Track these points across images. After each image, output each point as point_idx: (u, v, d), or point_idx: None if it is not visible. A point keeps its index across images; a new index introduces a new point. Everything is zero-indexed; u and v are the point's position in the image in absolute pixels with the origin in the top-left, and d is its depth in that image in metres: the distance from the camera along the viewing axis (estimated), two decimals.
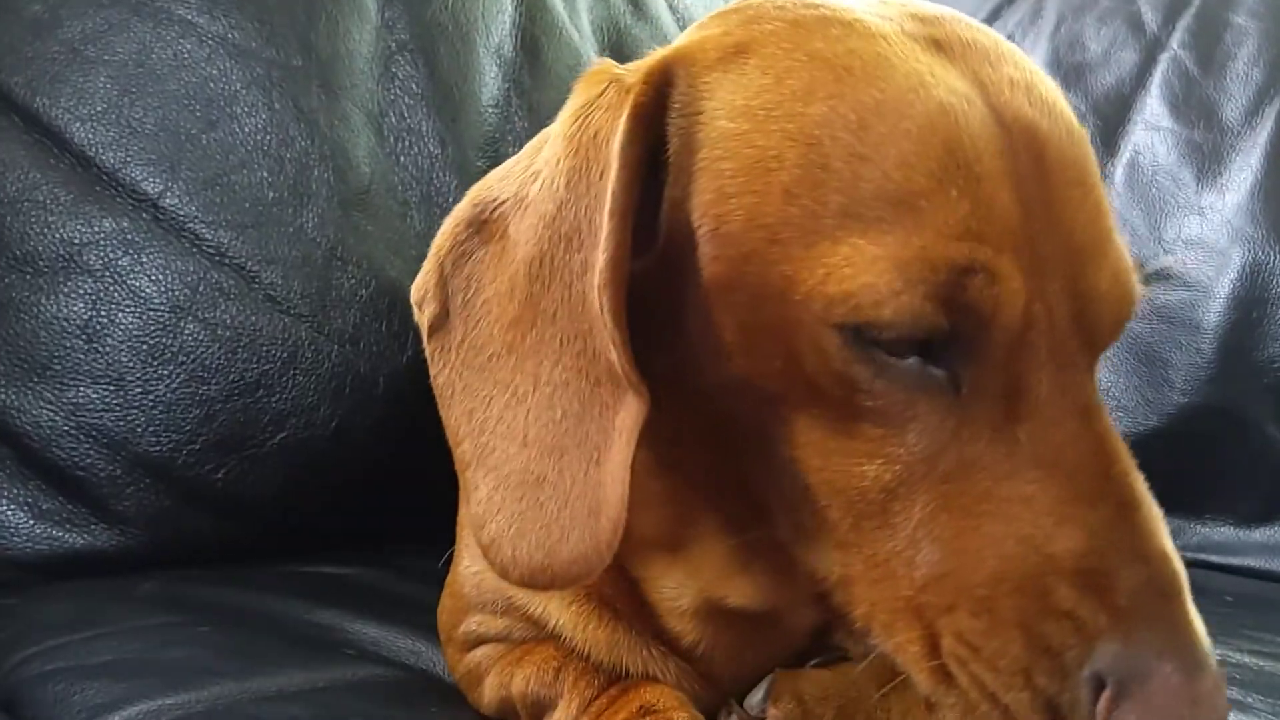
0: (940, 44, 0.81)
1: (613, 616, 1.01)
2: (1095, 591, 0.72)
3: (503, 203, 0.89)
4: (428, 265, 0.92)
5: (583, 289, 0.82)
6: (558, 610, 1.02)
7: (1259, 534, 1.88)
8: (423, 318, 0.91)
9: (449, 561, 1.15)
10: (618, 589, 1.00)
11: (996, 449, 0.75)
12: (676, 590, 0.97)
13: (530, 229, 0.85)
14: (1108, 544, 0.73)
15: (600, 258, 0.81)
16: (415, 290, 0.92)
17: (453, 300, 0.90)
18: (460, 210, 0.91)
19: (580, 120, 0.85)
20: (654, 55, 0.86)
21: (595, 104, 0.85)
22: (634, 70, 0.85)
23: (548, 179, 0.85)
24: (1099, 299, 0.79)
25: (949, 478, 0.76)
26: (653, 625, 1.00)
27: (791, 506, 0.82)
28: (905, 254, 0.73)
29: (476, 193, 0.91)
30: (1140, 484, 0.77)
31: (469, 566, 1.10)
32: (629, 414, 0.82)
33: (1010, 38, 2.22)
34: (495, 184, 0.91)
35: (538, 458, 0.84)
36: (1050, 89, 0.83)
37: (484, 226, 0.89)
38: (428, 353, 0.91)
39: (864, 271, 0.73)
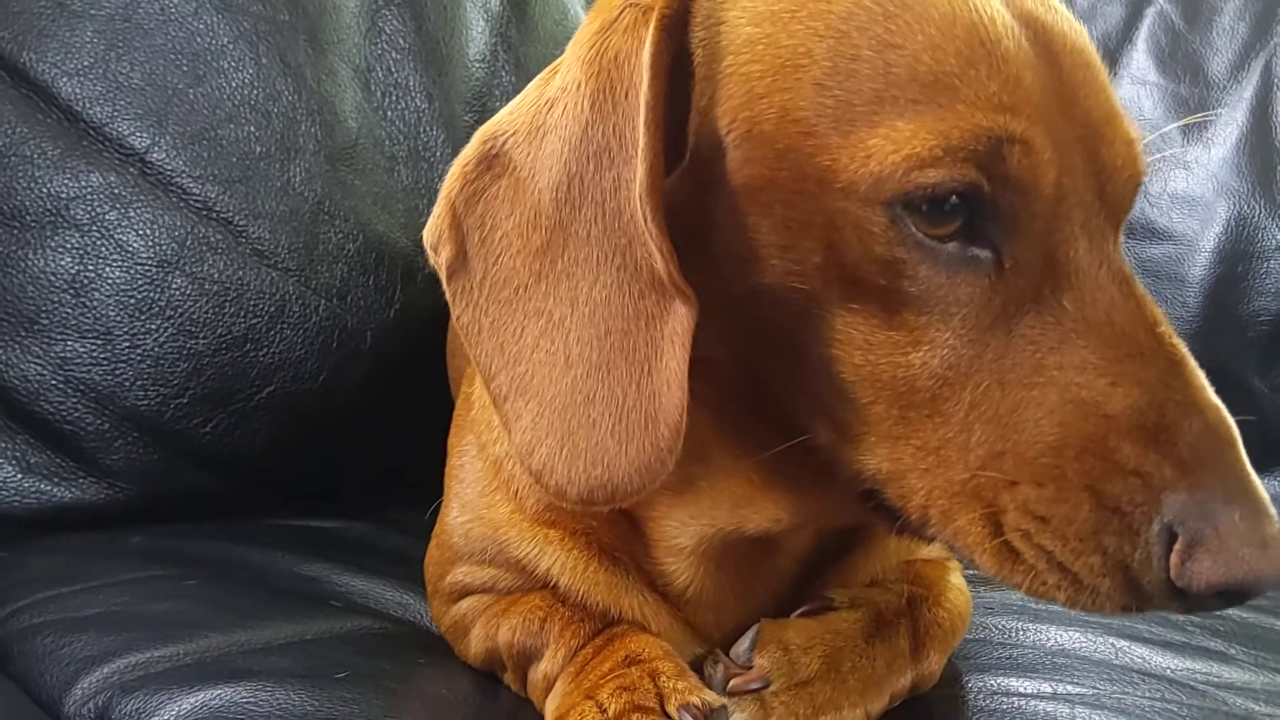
0: None
1: (610, 561, 1.02)
2: (1158, 445, 0.74)
3: (513, 135, 0.89)
4: (438, 209, 0.92)
5: (617, 205, 0.84)
6: (553, 555, 1.03)
7: None
8: (439, 262, 0.91)
9: (437, 512, 1.15)
10: (616, 533, 1.01)
11: (1044, 320, 0.78)
12: (678, 528, 0.98)
13: (553, 155, 0.86)
14: (1165, 398, 0.76)
15: (640, 168, 0.82)
16: (428, 235, 0.92)
17: (469, 240, 0.90)
18: (469, 150, 0.92)
19: (598, 44, 0.86)
20: None
21: (613, 27, 0.85)
22: None
23: (570, 104, 0.86)
24: (1117, 170, 0.82)
25: (1000, 354, 0.78)
26: (646, 571, 1.01)
27: (830, 409, 0.84)
28: (944, 126, 0.76)
29: (485, 131, 0.92)
30: (1182, 343, 0.79)
31: (457, 516, 1.10)
32: (679, 321, 0.84)
33: None
34: (504, 120, 0.91)
35: (584, 377, 0.85)
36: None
37: (495, 162, 0.90)
38: (449, 296, 0.91)
39: (906, 144, 0.76)
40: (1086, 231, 0.79)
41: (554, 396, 0.86)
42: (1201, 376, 0.78)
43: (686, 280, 0.83)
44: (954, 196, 0.76)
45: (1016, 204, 0.77)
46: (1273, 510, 0.74)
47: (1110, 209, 0.81)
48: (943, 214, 0.77)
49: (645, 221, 0.82)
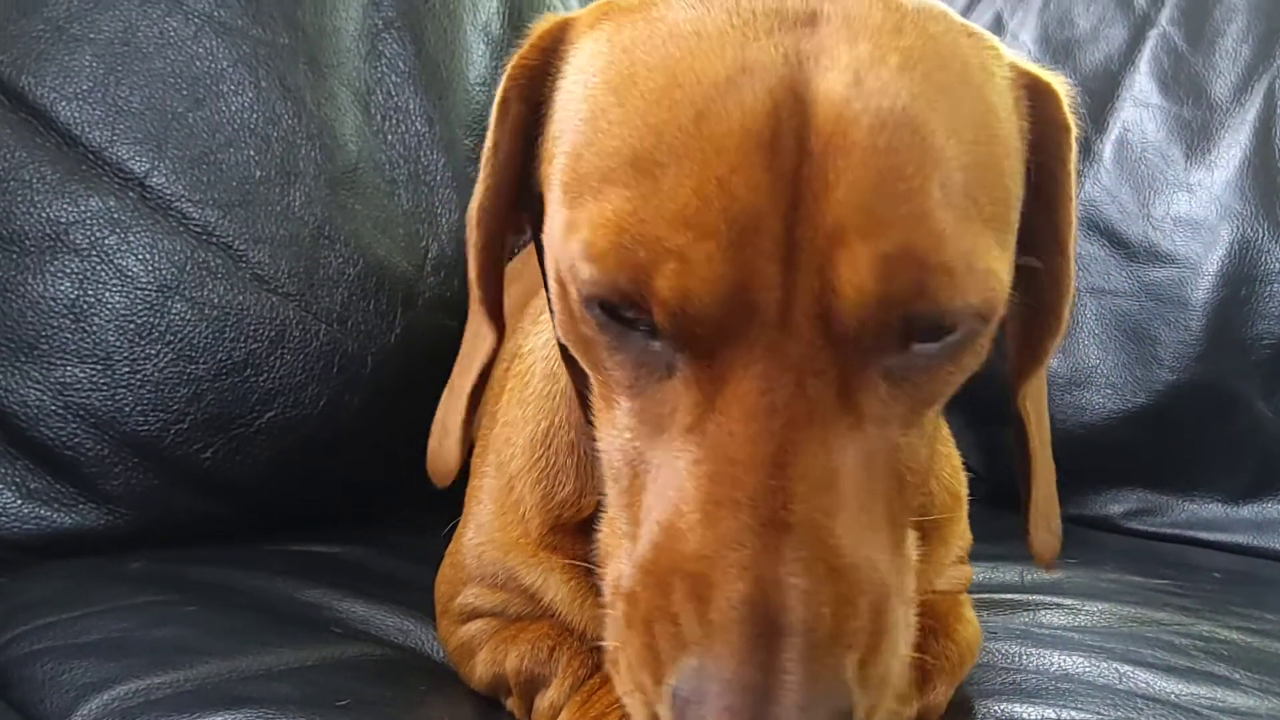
0: (813, 17, 0.74)
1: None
2: (698, 601, 0.68)
3: None
4: None
5: None
6: (554, 586, 1.03)
7: (1247, 510, 1.89)
8: None
9: (452, 532, 1.16)
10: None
11: (689, 439, 0.72)
12: None
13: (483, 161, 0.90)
14: (726, 554, 0.68)
15: (474, 198, 0.87)
16: None
17: None
18: None
19: (507, 67, 0.88)
20: (555, 18, 0.87)
21: (519, 54, 0.87)
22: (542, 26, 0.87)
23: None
24: (842, 291, 0.69)
25: (656, 462, 0.75)
26: None
27: None
28: (618, 219, 0.70)
29: None
30: (817, 510, 0.69)
31: (473, 538, 1.11)
32: (483, 344, 0.92)
33: (999, 14, 2.22)
34: None
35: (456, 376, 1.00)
36: (907, 73, 0.72)
37: None
38: None
39: (584, 228, 0.72)
40: (773, 355, 0.70)
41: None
42: (804, 549, 0.68)
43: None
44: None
45: (676, 324, 0.71)
46: (754, 704, 0.65)
47: (829, 332, 0.70)
48: (618, 309, 0.73)
49: (468, 245, 0.88)
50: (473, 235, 0.90)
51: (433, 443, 1.05)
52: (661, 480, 0.74)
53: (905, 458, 0.75)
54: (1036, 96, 0.83)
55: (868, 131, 0.69)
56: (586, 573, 1.01)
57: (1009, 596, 1.42)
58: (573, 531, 1.02)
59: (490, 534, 1.08)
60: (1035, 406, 0.94)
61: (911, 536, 0.79)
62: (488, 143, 0.88)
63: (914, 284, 0.69)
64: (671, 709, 0.68)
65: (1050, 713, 1.06)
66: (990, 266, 0.72)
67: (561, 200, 0.77)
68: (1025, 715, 1.05)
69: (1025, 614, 1.37)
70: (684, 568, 0.69)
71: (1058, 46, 2.19)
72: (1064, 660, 1.19)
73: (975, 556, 1.19)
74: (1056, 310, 0.87)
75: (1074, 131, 0.84)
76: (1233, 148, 1.95)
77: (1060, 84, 0.85)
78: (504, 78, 0.86)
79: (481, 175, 0.89)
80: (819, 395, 0.70)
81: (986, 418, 1.85)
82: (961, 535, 1.16)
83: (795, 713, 0.64)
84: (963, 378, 0.77)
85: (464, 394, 0.99)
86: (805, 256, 0.68)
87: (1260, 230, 1.88)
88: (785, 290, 0.69)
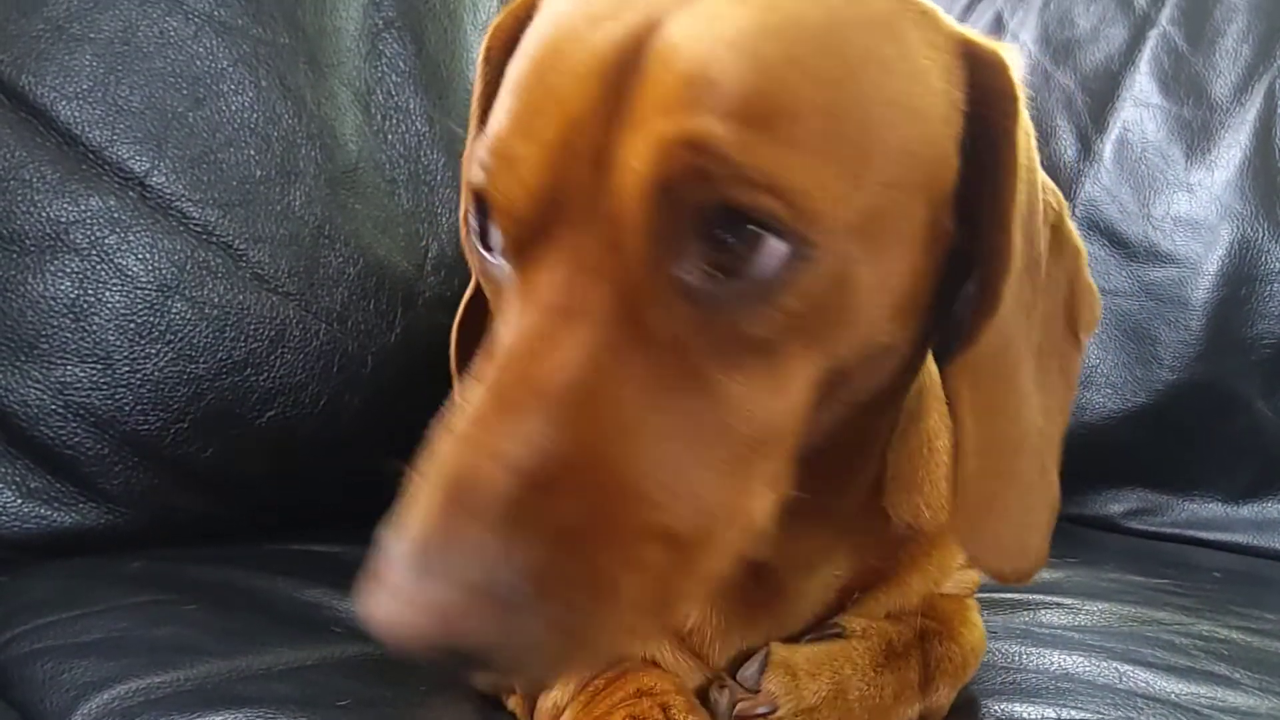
0: None
1: None
2: (423, 478, 0.67)
3: None
4: None
5: None
6: None
7: (1247, 510, 1.90)
8: None
9: None
10: None
11: (498, 345, 0.72)
12: None
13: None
14: (460, 441, 0.67)
15: (469, 141, 0.92)
16: None
17: None
18: None
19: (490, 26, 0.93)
20: None
21: (499, 16, 0.92)
22: None
23: None
24: (620, 176, 0.69)
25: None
26: None
27: None
28: (489, 131, 0.75)
29: None
30: (556, 401, 0.67)
31: None
32: (471, 281, 0.97)
33: (999, 14, 2.23)
34: None
35: None
36: (768, 17, 0.72)
37: None
38: None
39: (480, 143, 0.76)
40: (569, 258, 0.71)
41: None
42: (522, 428, 0.66)
43: None
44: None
45: (505, 225, 0.74)
46: (420, 555, 0.64)
47: (623, 230, 0.70)
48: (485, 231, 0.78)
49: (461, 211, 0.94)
50: (464, 181, 0.93)
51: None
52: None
53: (732, 403, 0.72)
54: (977, 65, 0.81)
55: (699, 54, 0.70)
56: None
57: (1009, 596, 1.42)
58: None
59: None
60: (981, 390, 0.85)
61: (762, 495, 0.76)
62: (474, 93, 0.94)
63: (690, 167, 0.68)
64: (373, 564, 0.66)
65: (1050, 712, 1.06)
66: (803, 179, 0.70)
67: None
68: (1026, 714, 1.06)
69: (1025, 613, 1.37)
70: (435, 454, 0.68)
71: (1058, 46, 2.19)
72: (1064, 659, 1.19)
73: None
74: (994, 287, 0.82)
75: (1021, 101, 0.81)
76: (1233, 148, 1.96)
77: (1008, 53, 0.82)
78: (486, 35, 0.92)
79: (470, 126, 0.95)
80: (599, 291, 0.70)
81: None
82: None
83: (444, 575, 0.62)
84: (813, 343, 0.74)
85: (453, 330, 1.06)
86: (612, 156, 0.69)
87: (1260, 230, 1.89)
88: (591, 194, 0.70)
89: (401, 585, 0.63)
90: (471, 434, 0.67)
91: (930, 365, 0.99)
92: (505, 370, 0.69)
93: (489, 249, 0.78)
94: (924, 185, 0.77)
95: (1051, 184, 0.90)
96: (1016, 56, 0.83)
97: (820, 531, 0.96)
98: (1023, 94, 0.82)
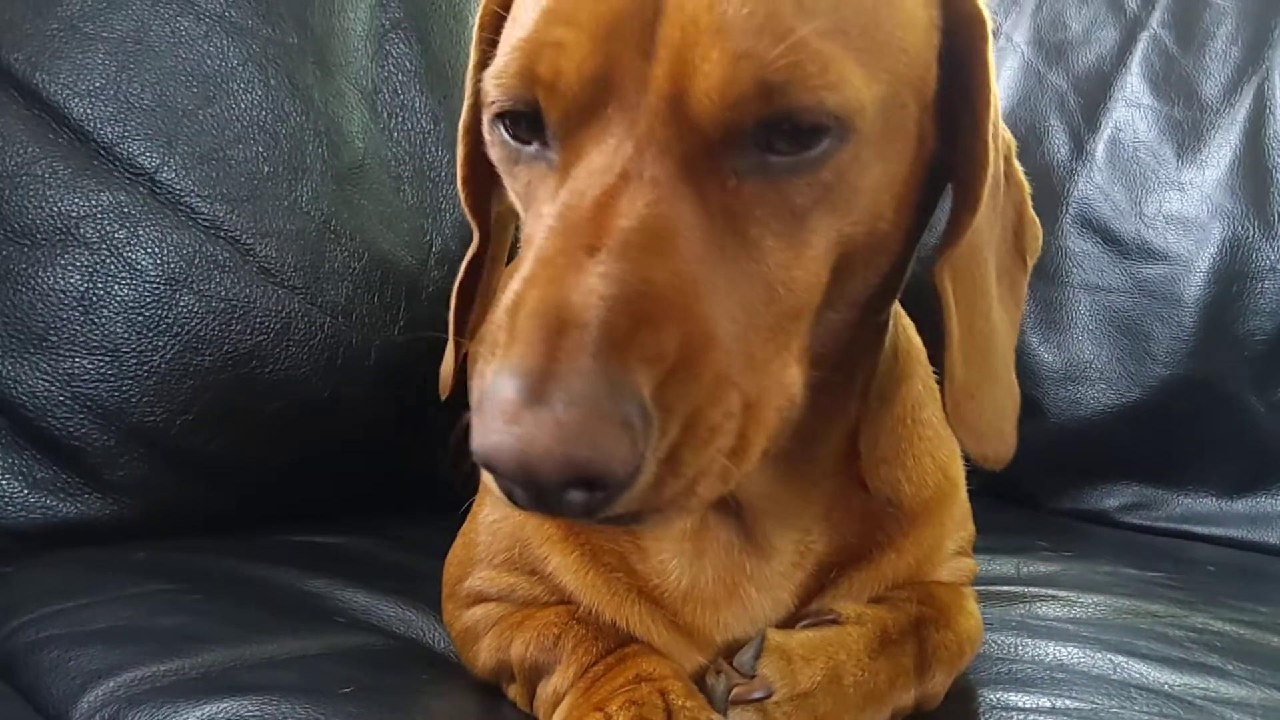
0: None
1: (605, 568, 1.04)
2: (512, 316, 0.72)
3: None
4: None
5: None
6: (567, 566, 1.05)
7: (1240, 504, 1.90)
8: None
9: (467, 512, 1.16)
10: (606, 533, 1.04)
11: (548, 208, 0.78)
12: None
13: None
14: (539, 273, 0.73)
15: (463, 111, 1.01)
16: None
17: None
18: None
19: None
20: None
21: None
22: None
23: None
24: (693, 89, 0.75)
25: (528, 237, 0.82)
26: (638, 574, 1.04)
27: None
28: (518, 40, 0.80)
29: None
30: (633, 243, 0.73)
31: (488, 515, 1.12)
32: (472, 246, 1.08)
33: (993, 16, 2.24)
34: None
35: None
36: None
37: None
38: None
39: (499, 60, 0.81)
40: (621, 130, 0.77)
41: None
42: (606, 266, 0.72)
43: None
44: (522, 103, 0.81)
45: (550, 104, 0.79)
46: (557, 396, 0.67)
47: (684, 120, 0.76)
48: (523, 118, 0.82)
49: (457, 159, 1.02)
50: (459, 150, 1.03)
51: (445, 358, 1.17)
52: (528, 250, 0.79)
53: (774, 267, 0.79)
54: None
55: None
56: (583, 547, 1.04)
57: (1005, 589, 1.44)
58: None
59: (507, 509, 1.09)
60: (961, 286, 0.93)
61: (796, 369, 0.82)
62: (470, 63, 0.97)
63: (759, 83, 0.75)
64: (476, 410, 0.70)
65: (1045, 702, 1.07)
66: (844, 75, 0.77)
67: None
68: (1021, 704, 1.07)
69: (1021, 605, 1.38)
70: (514, 301, 0.72)
71: (1050, 48, 2.21)
72: (1059, 651, 1.21)
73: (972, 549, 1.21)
74: (975, 189, 0.90)
75: (988, 24, 0.89)
76: (1223, 147, 1.97)
77: None
78: (481, 3, 0.94)
79: (465, 96, 1.00)
80: (657, 161, 0.76)
81: None
82: (962, 525, 1.18)
83: (567, 399, 0.67)
84: (835, 214, 0.81)
85: (453, 291, 1.10)
86: (663, 51, 0.76)
87: (1251, 228, 1.90)
88: (641, 78, 0.76)
89: (521, 414, 0.67)
90: (552, 275, 0.72)
91: (911, 333, 1.11)
92: (571, 222, 0.75)
93: (522, 141, 0.83)
94: (915, 84, 0.85)
95: (1002, 124, 0.97)
96: None
97: (796, 480, 1.02)
98: (990, 20, 0.90)
